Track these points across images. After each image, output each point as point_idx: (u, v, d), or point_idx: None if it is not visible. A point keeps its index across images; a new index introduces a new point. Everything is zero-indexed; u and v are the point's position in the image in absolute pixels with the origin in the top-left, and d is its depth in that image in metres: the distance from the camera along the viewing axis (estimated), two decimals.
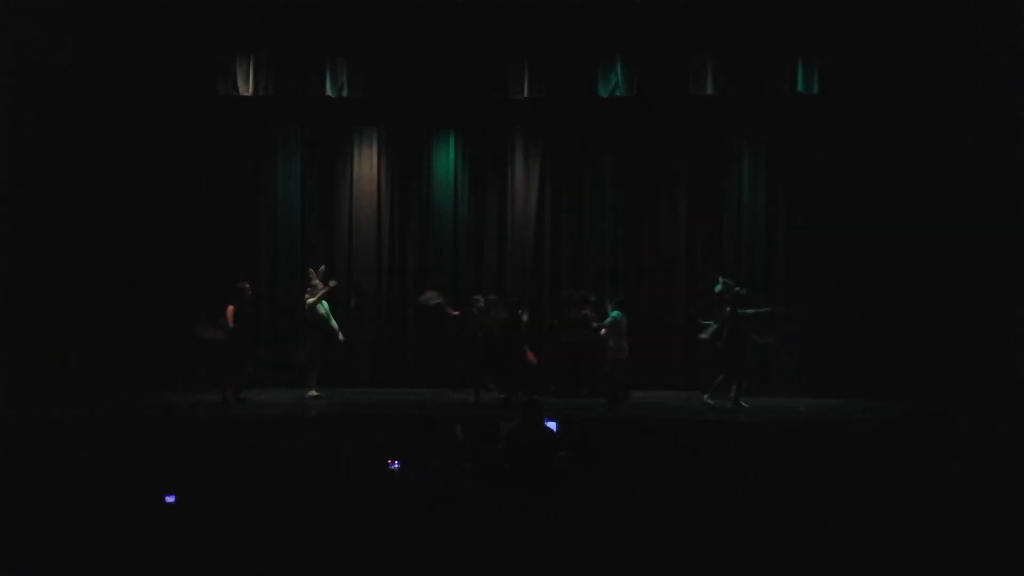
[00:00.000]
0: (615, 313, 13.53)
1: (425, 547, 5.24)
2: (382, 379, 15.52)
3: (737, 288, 13.35)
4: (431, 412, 12.50)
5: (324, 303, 13.72)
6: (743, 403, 13.09)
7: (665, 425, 11.58)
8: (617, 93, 14.15)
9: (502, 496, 5.95)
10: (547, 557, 5.29)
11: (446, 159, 15.97)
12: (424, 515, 5.41)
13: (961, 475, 7.02)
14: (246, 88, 14.05)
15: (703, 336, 13.68)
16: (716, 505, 5.75)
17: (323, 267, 14.07)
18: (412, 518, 5.41)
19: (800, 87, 13.91)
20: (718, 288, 13.55)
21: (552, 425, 8.85)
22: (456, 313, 14.03)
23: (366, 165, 15.95)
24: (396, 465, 7.84)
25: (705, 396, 13.27)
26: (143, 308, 14.34)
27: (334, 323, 13.82)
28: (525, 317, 13.77)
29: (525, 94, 14.21)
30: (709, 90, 13.95)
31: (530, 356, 13.81)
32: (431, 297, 14.33)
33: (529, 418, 8.16)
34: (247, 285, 13.38)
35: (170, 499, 6.37)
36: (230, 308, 13.05)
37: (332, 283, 13.81)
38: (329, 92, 14.18)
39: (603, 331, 13.53)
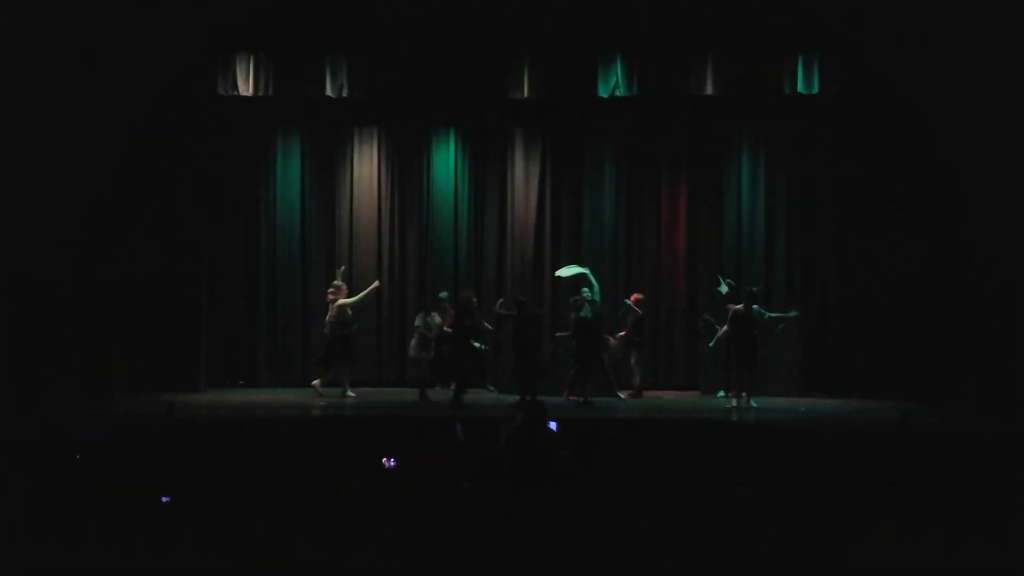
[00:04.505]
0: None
1: (425, 547, 5.25)
2: (382, 379, 15.52)
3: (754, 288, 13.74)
4: (431, 412, 12.49)
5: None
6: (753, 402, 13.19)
7: (665, 425, 11.57)
8: (617, 93, 14.15)
9: (502, 496, 5.96)
10: (547, 557, 5.29)
11: (446, 159, 15.97)
12: (424, 515, 5.42)
13: (961, 475, 7.02)
14: (246, 88, 14.05)
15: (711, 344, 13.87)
16: (716, 505, 5.75)
17: (344, 267, 14.50)
18: (412, 518, 5.42)
19: (800, 87, 13.91)
20: (724, 290, 13.81)
21: (552, 425, 8.85)
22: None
23: (366, 165, 15.95)
24: (392, 463, 7.81)
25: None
26: (142, 308, 14.32)
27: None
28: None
29: (525, 94, 14.21)
30: (709, 90, 13.96)
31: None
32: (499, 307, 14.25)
33: (530, 418, 8.15)
34: (473, 299, 13.75)
35: (165, 499, 6.36)
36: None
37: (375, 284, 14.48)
38: (329, 92, 14.18)
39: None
